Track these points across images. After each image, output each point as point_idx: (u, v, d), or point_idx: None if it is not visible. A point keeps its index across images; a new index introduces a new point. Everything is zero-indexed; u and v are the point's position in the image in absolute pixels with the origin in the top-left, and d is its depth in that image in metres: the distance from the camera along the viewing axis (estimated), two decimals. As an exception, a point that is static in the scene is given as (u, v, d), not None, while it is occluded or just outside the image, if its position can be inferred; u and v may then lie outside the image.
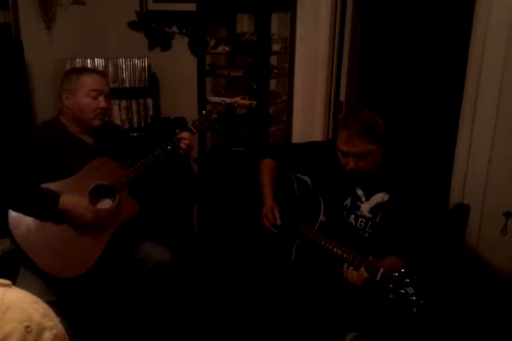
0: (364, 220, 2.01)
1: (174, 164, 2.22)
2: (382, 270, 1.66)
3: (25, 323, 0.60)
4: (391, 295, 1.60)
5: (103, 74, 2.19)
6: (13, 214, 1.93)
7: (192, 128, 2.20)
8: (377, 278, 1.66)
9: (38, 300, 0.67)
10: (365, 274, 1.69)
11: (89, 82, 2.06)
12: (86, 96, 2.05)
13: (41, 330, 0.62)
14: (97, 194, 2.03)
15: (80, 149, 2.09)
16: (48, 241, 1.94)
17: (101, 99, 2.07)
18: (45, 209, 1.91)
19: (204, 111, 2.33)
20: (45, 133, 2.07)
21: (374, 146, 1.87)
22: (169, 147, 2.12)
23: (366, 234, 2.01)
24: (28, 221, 1.94)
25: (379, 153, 1.92)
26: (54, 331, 0.63)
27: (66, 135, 2.10)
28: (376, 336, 1.92)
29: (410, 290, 1.57)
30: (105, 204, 2.05)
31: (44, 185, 1.96)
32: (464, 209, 2.15)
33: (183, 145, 2.13)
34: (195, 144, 2.20)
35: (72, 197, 1.93)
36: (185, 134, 2.15)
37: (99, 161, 2.08)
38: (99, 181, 2.03)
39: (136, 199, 2.11)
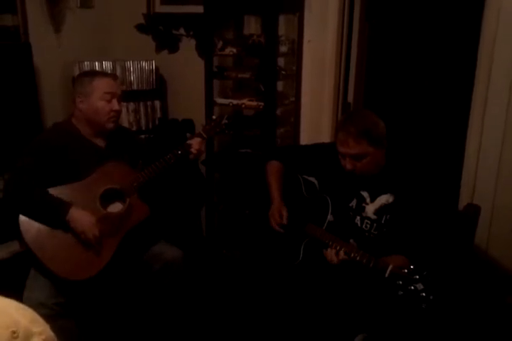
0: (369, 222, 2.00)
1: (183, 168, 2.22)
2: (391, 267, 1.65)
3: (12, 329, 0.60)
4: (400, 292, 1.59)
5: (115, 76, 2.19)
6: (23, 218, 1.94)
7: (202, 133, 2.21)
8: (386, 275, 1.65)
9: (26, 307, 0.67)
10: (343, 256, 1.79)
11: (102, 85, 2.06)
12: (100, 100, 2.06)
13: (29, 336, 0.61)
14: (107, 197, 2.04)
15: (91, 152, 2.10)
16: (59, 244, 1.95)
17: (114, 101, 2.08)
18: (53, 217, 1.92)
19: (214, 116, 2.34)
20: (56, 136, 2.08)
21: (371, 148, 1.87)
22: (179, 152, 2.13)
23: (372, 236, 2.00)
24: (39, 224, 1.94)
25: (378, 155, 1.92)
26: (43, 336, 0.63)
27: (78, 138, 2.10)
28: (385, 337, 1.91)
29: (420, 286, 1.57)
30: (116, 207, 2.06)
31: (55, 188, 1.96)
32: (474, 210, 2.12)
33: (193, 151, 2.15)
34: (204, 149, 2.20)
35: (82, 214, 1.94)
36: (196, 140, 2.17)
37: (111, 165, 2.08)
38: (110, 184, 2.03)
39: (145, 203, 2.12)
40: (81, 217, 1.92)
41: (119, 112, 2.12)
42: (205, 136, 2.21)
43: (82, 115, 2.09)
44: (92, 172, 2.04)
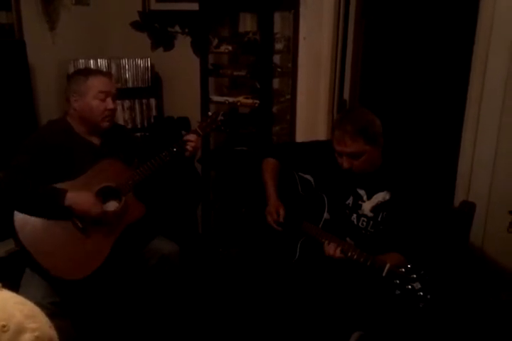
0: (366, 219, 2.00)
1: (179, 165, 2.21)
2: (388, 266, 1.65)
3: (1, 323, 0.60)
4: (398, 291, 1.59)
5: (109, 75, 2.18)
6: (18, 216, 1.93)
7: (198, 130, 2.19)
8: (384, 274, 1.65)
9: (27, 302, 0.67)
10: (339, 254, 1.79)
11: (97, 84, 2.05)
12: (94, 99, 2.04)
13: (20, 331, 0.61)
14: (103, 195, 2.03)
15: (86, 150, 2.09)
16: (54, 243, 1.94)
17: (109, 100, 2.07)
18: (51, 205, 1.91)
19: (210, 113, 2.33)
20: (51, 134, 2.07)
21: (368, 147, 1.87)
22: (175, 149, 2.11)
23: (368, 233, 2.00)
24: (34, 223, 1.93)
25: (375, 153, 1.92)
26: (36, 333, 0.63)
27: (73, 136, 2.09)
28: (382, 335, 1.91)
29: (417, 285, 1.57)
30: (111, 206, 2.05)
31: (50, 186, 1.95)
32: (469, 207, 2.13)
33: (189, 148, 2.13)
34: (200, 146, 2.19)
35: (79, 194, 1.93)
36: (191, 136, 2.15)
37: (106, 163, 2.07)
38: (106, 183, 2.02)
39: (141, 201, 2.11)
40: (80, 199, 1.91)
41: (113, 111, 2.11)
42: (200, 132, 2.19)
43: (76, 114, 2.08)
44: (87, 170, 2.03)
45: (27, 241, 1.92)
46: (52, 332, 0.66)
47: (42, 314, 0.67)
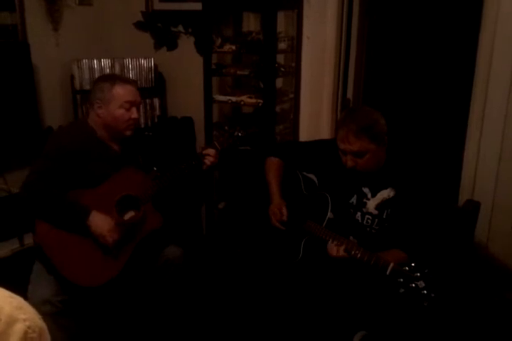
0: (370, 217, 2.00)
1: (194, 177, 2.22)
2: (392, 264, 1.65)
3: None
4: (402, 290, 1.59)
5: (134, 83, 2.14)
6: (41, 223, 1.95)
7: (216, 144, 2.22)
8: (388, 273, 1.65)
9: (14, 295, 0.69)
10: (342, 253, 1.79)
11: (123, 93, 2.02)
12: (119, 108, 2.02)
13: (12, 321, 0.63)
14: (122, 205, 2.02)
15: (107, 156, 2.08)
16: (74, 252, 1.94)
17: (133, 110, 2.06)
18: (73, 221, 1.92)
19: (227, 127, 2.34)
20: (73, 138, 2.05)
21: (372, 145, 1.87)
22: (194, 162, 2.13)
23: (373, 231, 2.00)
24: (56, 231, 1.94)
25: (379, 152, 1.92)
26: (27, 323, 0.65)
27: (94, 140, 2.07)
28: (385, 335, 1.91)
29: (421, 283, 1.57)
30: (129, 215, 2.04)
31: (73, 193, 1.96)
32: (474, 206, 2.12)
33: (207, 162, 2.16)
34: (217, 160, 2.20)
35: (101, 217, 1.93)
36: (209, 151, 2.17)
37: (127, 171, 2.07)
38: (126, 192, 2.01)
39: (158, 211, 2.09)
40: (101, 221, 1.92)
41: (137, 120, 2.10)
42: (218, 147, 2.21)
43: (100, 120, 2.06)
44: (109, 178, 2.02)
45: (48, 247, 1.93)
46: (42, 323, 0.68)
47: (30, 307, 0.69)
